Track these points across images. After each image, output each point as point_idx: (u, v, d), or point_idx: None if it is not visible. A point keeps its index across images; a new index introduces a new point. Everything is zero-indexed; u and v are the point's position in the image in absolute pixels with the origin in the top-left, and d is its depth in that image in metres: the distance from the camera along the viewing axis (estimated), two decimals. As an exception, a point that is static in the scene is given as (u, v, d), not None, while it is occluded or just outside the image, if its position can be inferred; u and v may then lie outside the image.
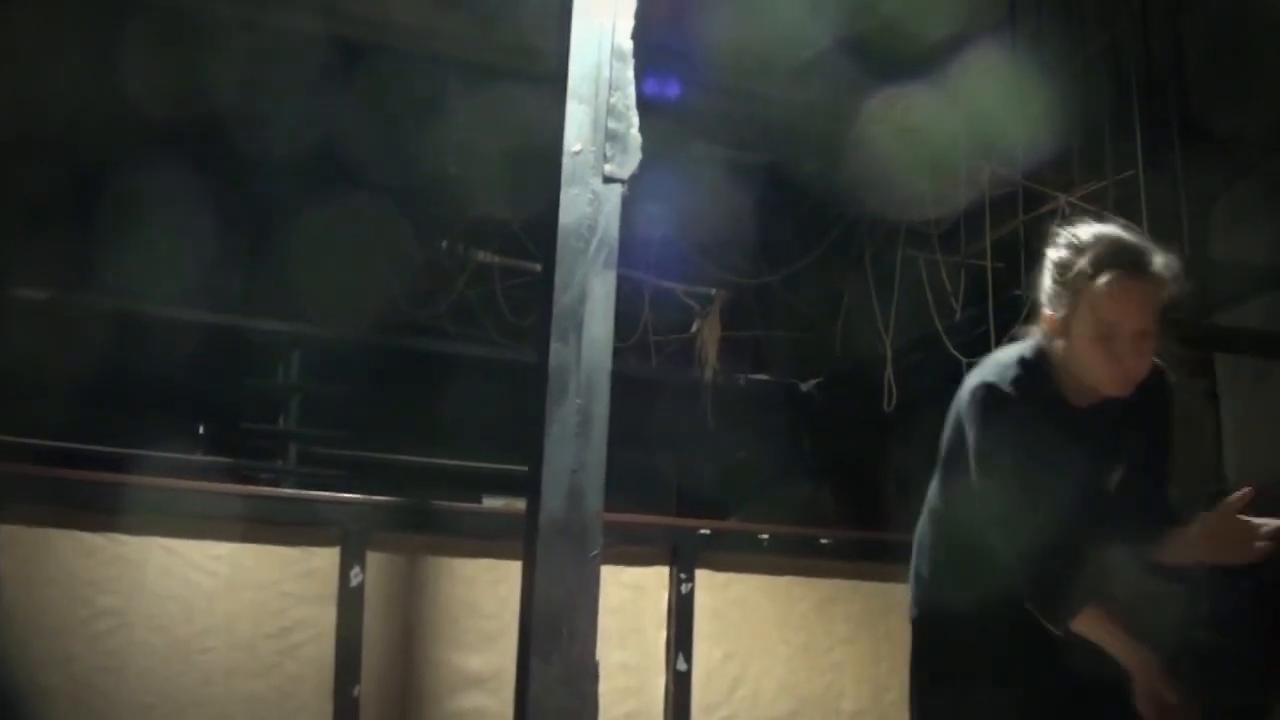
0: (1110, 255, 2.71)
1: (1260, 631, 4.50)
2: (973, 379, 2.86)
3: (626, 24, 3.15)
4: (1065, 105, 5.35)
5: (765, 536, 5.40)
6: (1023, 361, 2.81)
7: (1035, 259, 2.89)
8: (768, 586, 5.38)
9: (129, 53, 5.80)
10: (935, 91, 5.99)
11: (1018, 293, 4.67)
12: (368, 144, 6.35)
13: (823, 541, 5.52)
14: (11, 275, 6.30)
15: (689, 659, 5.13)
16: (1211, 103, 5.42)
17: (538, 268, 3.26)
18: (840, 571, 5.49)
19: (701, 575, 5.24)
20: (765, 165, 7.52)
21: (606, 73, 3.10)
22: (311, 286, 6.42)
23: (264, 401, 7.20)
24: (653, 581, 5.19)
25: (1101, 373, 2.74)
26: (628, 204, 3.11)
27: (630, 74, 3.14)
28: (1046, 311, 2.80)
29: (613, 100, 3.10)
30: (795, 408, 7.70)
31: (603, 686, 2.92)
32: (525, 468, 2.99)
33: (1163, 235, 4.94)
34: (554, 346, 2.96)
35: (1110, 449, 2.87)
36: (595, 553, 2.93)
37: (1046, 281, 2.81)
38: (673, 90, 6.52)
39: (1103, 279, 2.68)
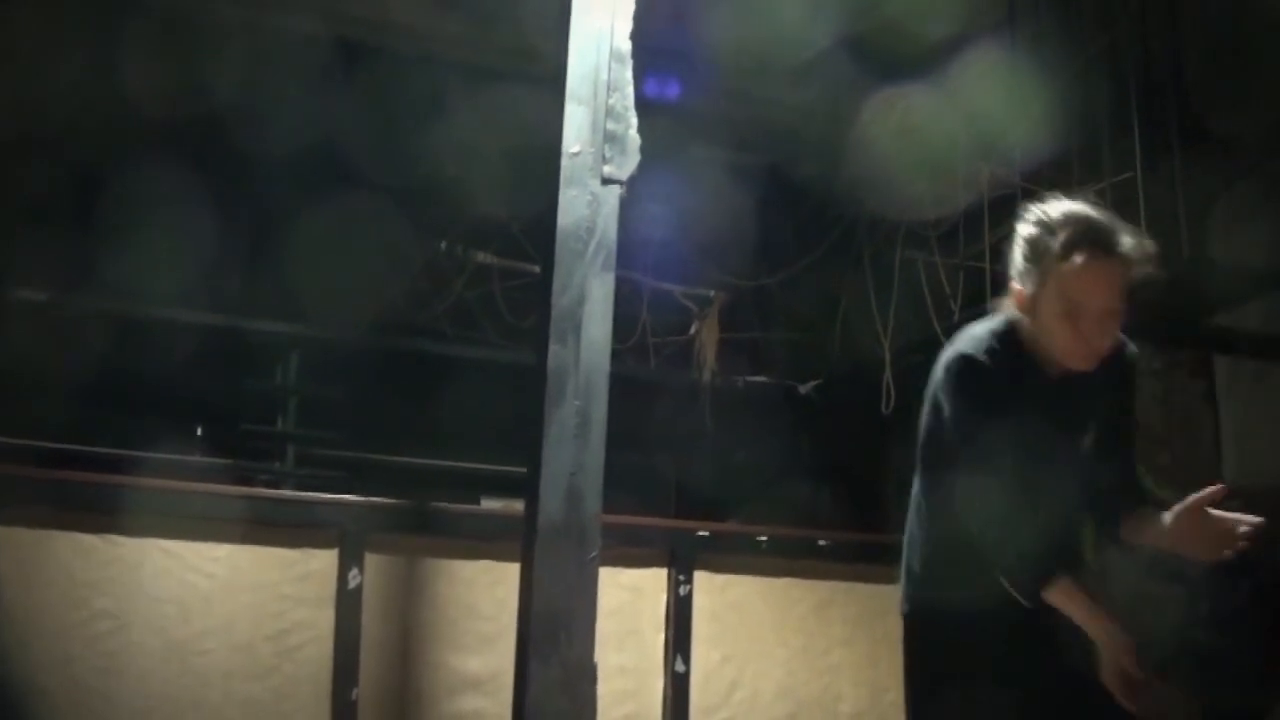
0: (1079, 236, 2.76)
1: (1260, 632, 4.51)
2: (947, 354, 2.93)
3: (625, 26, 3.16)
4: (1064, 106, 5.35)
5: (764, 538, 5.41)
6: (995, 334, 2.89)
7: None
8: (766, 588, 5.38)
9: (128, 53, 5.80)
10: (934, 93, 5.99)
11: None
12: (367, 145, 6.34)
13: (821, 543, 5.53)
14: (10, 276, 6.29)
15: (687, 661, 5.13)
16: (1211, 104, 5.42)
17: (536, 269, 3.26)
18: (838, 573, 5.49)
19: (700, 577, 5.25)
20: (764, 167, 7.52)
21: (605, 74, 3.10)
22: (310, 288, 6.41)
23: (262, 403, 7.19)
24: (651, 583, 5.19)
25: (1067, 348, 2.81)
26: (626, 205, 3.11)
27: (629, 75, 3.14)
28: (1016, 287, 2.87)
29: (611, 102, 3.10)
30: (794, 409, 7.69)
31: (601, 688, 2.93)
32: (524, 469, 2.99)
33: (1162, 236, 4.96)
34: (552, 348, 2.96)
35: (1079, 418, 2.93)
36: (594, 554, 2.93)
37: (1017, 258, 2.87)
38: (671, 91, 6.52)
39: (1072, 260, 2.75)
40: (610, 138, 3.08)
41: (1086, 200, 2.87)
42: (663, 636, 5.17)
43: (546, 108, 3.13)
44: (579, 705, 2.85)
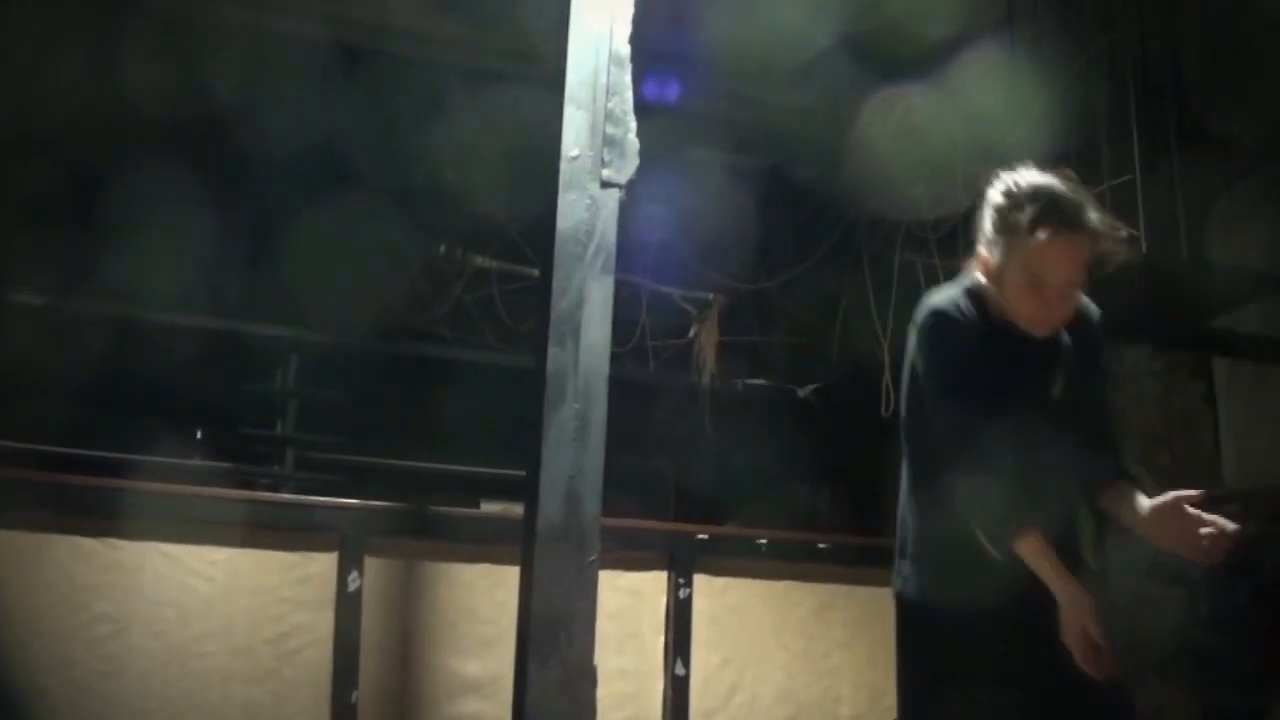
0: (1046, 213, 2.79)
1: (1260, 633, 4.51)
2: (918, 314, 2.98)
3: (624, 29, 3.16)
4: (1063, 107, 5.35)
5: (763, 542, 5.41)
6: (966, 292, 2.95)
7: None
8: (765, 591, 5.38)
9: (128, 54, 5.80)
10: (933, 94, 5.98)
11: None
12: (366, 148, 6.34)
13: (820, 546, 5.53)
14: (9, 278, 6.29)
15: (687, 664, 5.13)
16: (1210, 105, 5.42)
17: (536, 273, 3.26)
18: (838, 576, 5.49)
19: (699, 580, 5.25)
20: (763, 169, 7.52)
21: (604, 78, 3.11)
22: (310, 291, 6.41)
23: (262, 406, 7.19)
24: (651, 586, 5.19)
25: (1029, 315, 2.86)
26: (625, 208, 3.11)
27: (628, 79, 3.14)
28: (983, 254, 2.91)
29: (610, 105, 3.10)
30: (793, 412, 7.69)
31: (600, 691, 2.92)
32: (523, 472, 2.99)
33: (1161, 237, 4.96)
34: (552, 351, 2.96)
35: (1047, 378, 2.96)
36: (593, 558, 2.93)
37: (986, 226, 2.92)
38: (671, 94, 6.52)
39: (1037, 236, 2.78)
40: (609, 141, 3.09)
41: (1055, 172, 2.90)
42: (662, 639, 5.17)
43: (546, 111, 3.13)
44: (578, 708, 2.85)
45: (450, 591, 4.90)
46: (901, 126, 6.33)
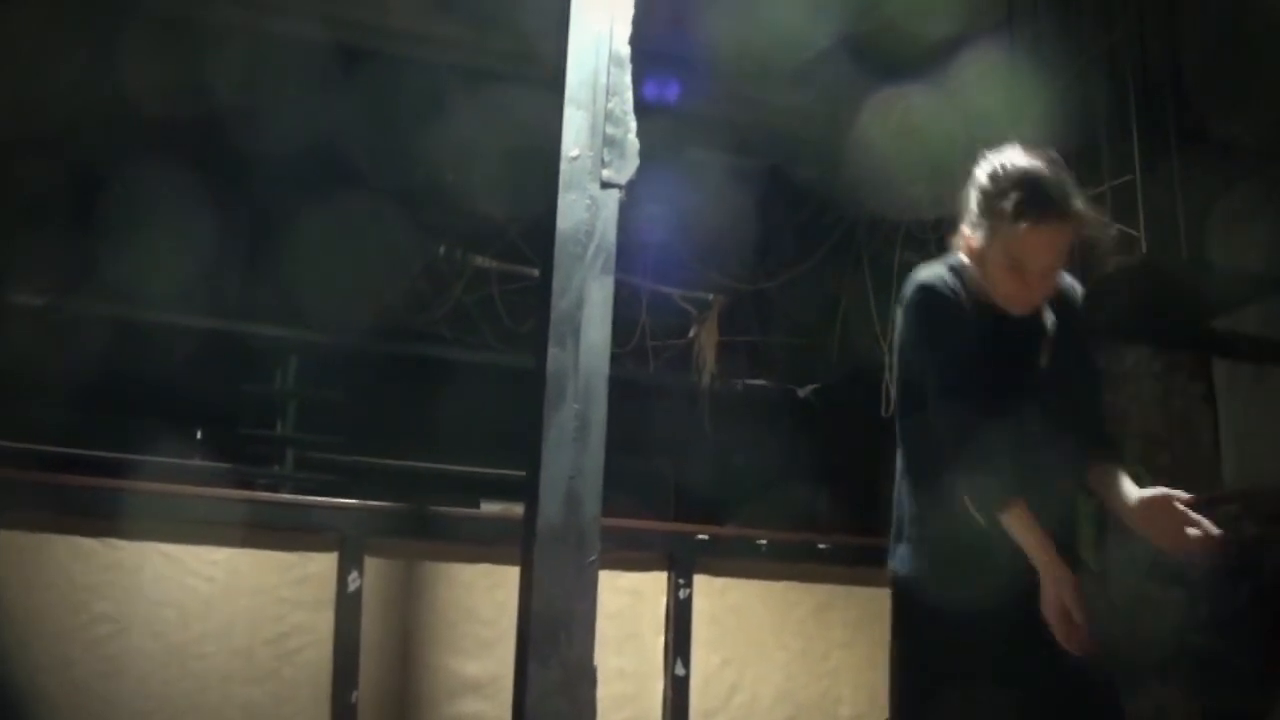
0: (1030, 200, 2.81)
1: (1260, 634, 4.50)
2: (905, 291, 3.01)
3: (624, 30, 3.16)
4: (1063, 108, 5.34)
5: (763, 542, 5.41)
6: (950, 269, 2.98)
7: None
8: (765, 592, 5.38)
9: (128, 54, 5.80)
10: (933, 94, 5.98)
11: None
12: (366, 149, 6.35)
13: (820, 547, 5.53)
14: (9, 279, 6.29)
15: (687, 664, 5.13)
16: (1210, 106, 5.41)
17: (536, 273, 3.26)
18: (838, 577, 5.49)
19: (699, 580, 5.25)
20: (763, 169, 7.52)
21: (604, 79, 3.11)
22: (309, 291, 6.41)
23: (261, 406, 7.19)
24: (650, 587, 5.19)
25: (1008, 296, 2.90)
26: (625, 209, 3.11)
27: (628, 79, 3.15)
28: (966, 232, 2.95)
29: (610, 106, 3.10)
30: (793, 413, 7.69)
31: (600, 692, 2.93)
32: (523, 473, 2.99)
33: (1161, 238, 4.96)
34: (552, 352, 2.96)
35: (1031, 353, 3.00)
36: (593, 558, 2.93)
37: (970, 205, 2.94)
38: (670, 94, 6.52)
39: (1021, 223, 2.80)
40: (609, 142, 3.09)
41: (1040, 154, 2.92)
42: (662, 640, 5.17)
43: (546, 111, 3.13)
44: (578, 708, 2.85)
45: (450, 592, 4.90)
46: (901, 126, 6.33)
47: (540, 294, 3.07)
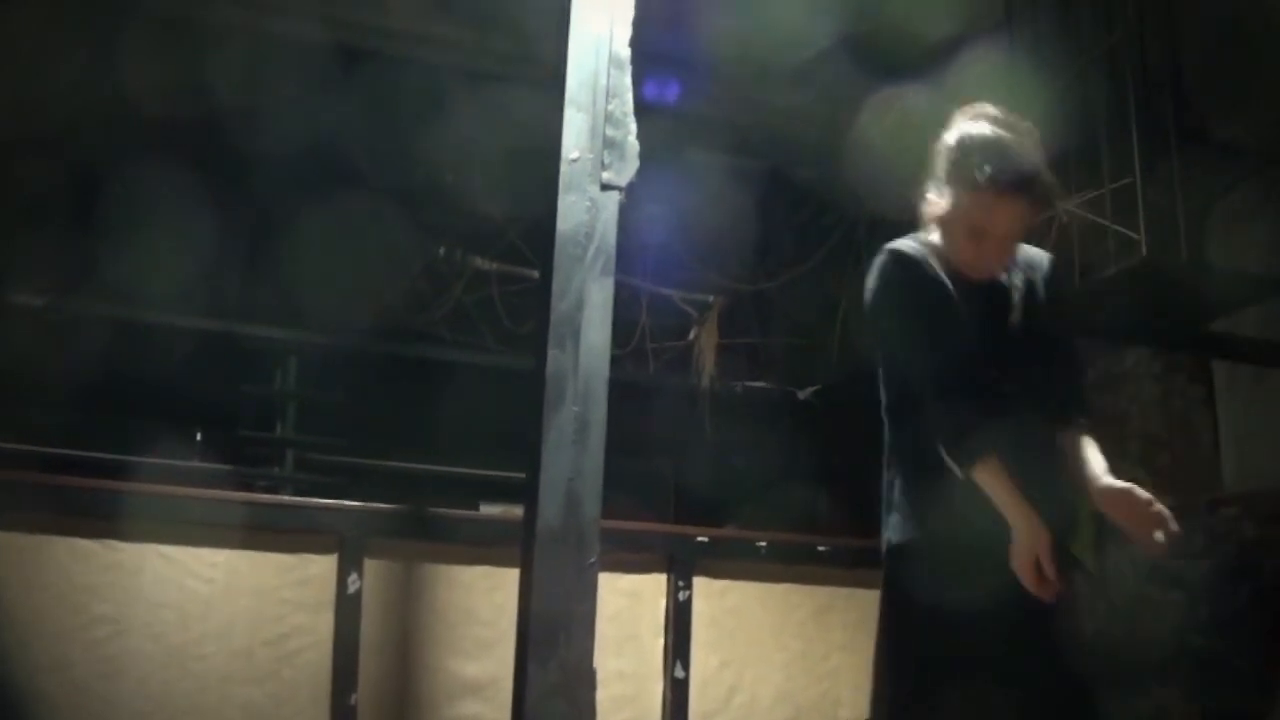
0: (995, 171, 2.86)
1: (1259, 636, 4.50)
2: (875, 262, 3.12)
3: (624, 31, 3.16)
4: (1062, 108, 5.34)
5: (763, 544, 5.40)
6: (915, 240, 3.07)
7: None
8: (765, 594, 5.38)
9: (128, 54, 5.80)
10: (933, 95, 5.98)
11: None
12: (366, 150, 6.35)
13: (820, 549, 5.53)
14: (9, 279, 6.29)
15: (686, 666, 5.12)
16: (1210, 106, 5.41)
17: (535, 274, 3.26)
18: (837, 579, 5.49)
19: (699, 582, 5.24)
20: (763, 170, 7.51)
21: (604, 80, 3.10)
22: (309, 293, 6.41)
23: (261, 408, 7.19)
24: (650, 589, 5.18)
25: (967, 261, 2.96)
26: (625, 210, 3.11)
27: (628, 81, 3.14)
28: (930, 196, 3.02)
29: (610, 107, 3.10)
30: (793, 414, 7.68)
31: (600, 694, 2.92)
32: (523, 474, 2.99)
33: (1160, 239, 4.96)
34: (551, 353, 2.96)
35: (1002, 314, 3.04)
36: (593, 560, 2.93)
37: (937, 168, 3.02)
38: (670, 95, 6.52)
39: (983, 192, 2.86)
40: (609, 143, 3.08)
41: (1008, 123, 2.97)
42: (662, 642, 5.17)
43: (545, 113, 3.13)
44: (578, 710, 2.85)
45: (450, 593, 4.89)
46: (901, 127, 6.32)
47: (540, 295, 3.06)
